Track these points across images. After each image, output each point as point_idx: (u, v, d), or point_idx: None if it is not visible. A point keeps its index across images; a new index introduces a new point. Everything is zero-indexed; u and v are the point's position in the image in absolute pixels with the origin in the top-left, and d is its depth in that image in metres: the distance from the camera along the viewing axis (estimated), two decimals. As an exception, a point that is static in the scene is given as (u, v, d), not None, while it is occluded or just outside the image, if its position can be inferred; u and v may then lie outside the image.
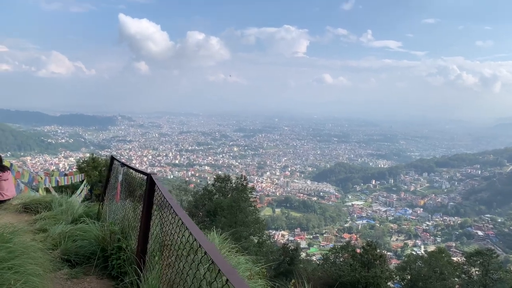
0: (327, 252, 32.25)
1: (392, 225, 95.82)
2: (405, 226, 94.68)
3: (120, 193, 5.67)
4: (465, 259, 30.13)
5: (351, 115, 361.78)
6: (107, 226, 4.93)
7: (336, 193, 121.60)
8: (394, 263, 47.16)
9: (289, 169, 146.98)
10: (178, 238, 2.97)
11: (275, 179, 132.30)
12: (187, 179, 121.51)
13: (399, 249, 78.98)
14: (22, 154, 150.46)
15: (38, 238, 4.76)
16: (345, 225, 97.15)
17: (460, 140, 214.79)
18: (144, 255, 3.99)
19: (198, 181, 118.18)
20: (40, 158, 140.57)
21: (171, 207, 3.21)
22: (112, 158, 6.93)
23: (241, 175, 31.28)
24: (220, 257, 1.92)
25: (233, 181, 30.02)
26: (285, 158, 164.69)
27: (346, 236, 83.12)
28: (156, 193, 4.04)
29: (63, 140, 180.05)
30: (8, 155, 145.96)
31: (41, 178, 12.75)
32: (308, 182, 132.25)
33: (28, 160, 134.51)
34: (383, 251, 32.89)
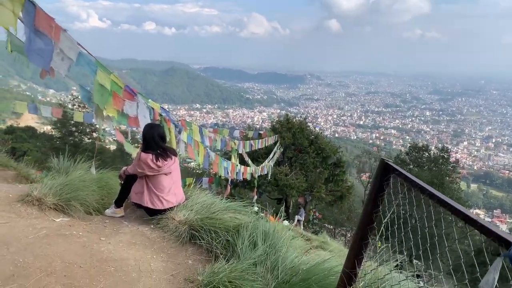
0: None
1: None
2: None
3: None
4: None
5: None
6: None
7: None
8: None
9: (494, 141, 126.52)
10: None
11: (473, 151, 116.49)
12: (370, 141, 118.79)
13: None
14: (225, 107, 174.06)
15: None
16: None
17: None
18: None
19: (383, 144, 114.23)
20: (240, 111, 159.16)
21: None
22: (386, 168, 2.31)
23: (443, 146, 28.07)
24: None
25: (431, 151, 27.21)
26: (490, 127, 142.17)
27: None
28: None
29: (259, 96, 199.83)
30: (216, 107, 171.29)
31: (234, 143, 11.28)
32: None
33: (231, 113, 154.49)
34: None
